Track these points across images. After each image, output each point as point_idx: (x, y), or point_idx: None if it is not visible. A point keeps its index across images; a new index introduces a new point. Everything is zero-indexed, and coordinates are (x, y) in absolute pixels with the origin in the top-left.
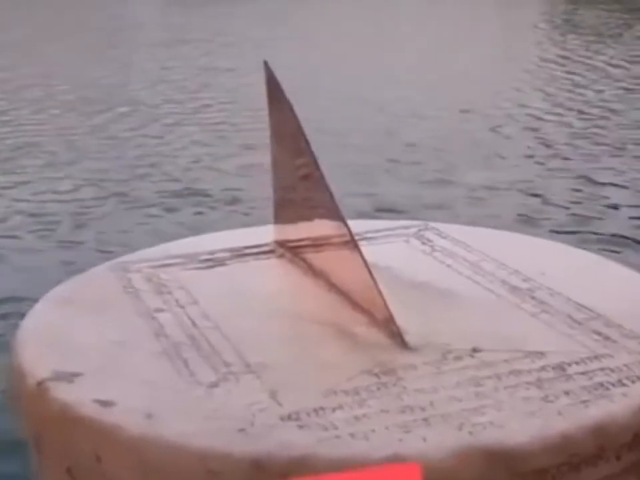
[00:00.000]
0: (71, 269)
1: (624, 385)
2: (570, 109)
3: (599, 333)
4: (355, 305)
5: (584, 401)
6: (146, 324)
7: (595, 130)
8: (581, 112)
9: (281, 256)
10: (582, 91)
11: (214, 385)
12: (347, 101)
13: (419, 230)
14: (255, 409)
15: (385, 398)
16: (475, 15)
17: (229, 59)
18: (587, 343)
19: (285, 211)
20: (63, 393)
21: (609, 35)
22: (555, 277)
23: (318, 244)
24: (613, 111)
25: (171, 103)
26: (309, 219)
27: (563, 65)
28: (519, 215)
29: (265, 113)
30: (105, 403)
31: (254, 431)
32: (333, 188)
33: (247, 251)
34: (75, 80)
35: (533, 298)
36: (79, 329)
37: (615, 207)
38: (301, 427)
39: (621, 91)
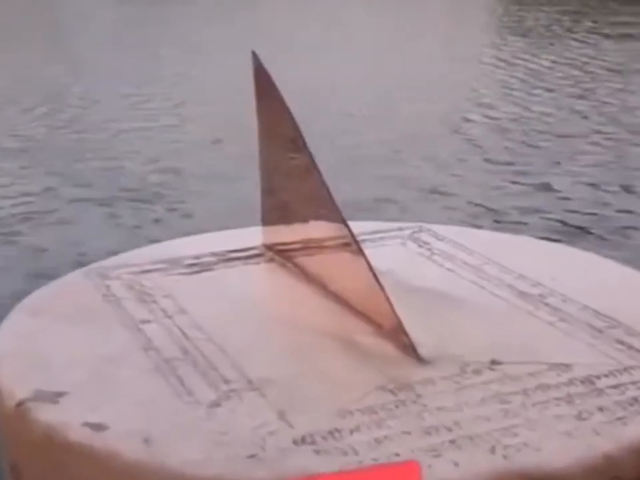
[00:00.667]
0: None
1: None
2: (506, 112)
3: (622, 342)
4: (358, 312)
5: (620, 418)
6: (133, 336)
7: (530, 132)
8: (515, 114)
9: (271, 260)
10: (518, 93)
11: (215, 404)
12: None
13: (414, 232)
14: (264, 431)
15: (405, 417)
16: (418, 17)
17: (177, 60)
18: (612, 354)
19: (274, 212)
20: (46, 414)
21: (549, 36)
22: (565, 281)
23: (312, 247)
24: (548, 114)
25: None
26: (302, 220)
27: (502, 68)
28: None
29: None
30: (97, 427)
31: (266, 456)
32: None
33: (234, 255)
34: (15, 76)
35: (547, 304)
36: (59, 341)
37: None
38: (317, 451)
39: (554, 94)
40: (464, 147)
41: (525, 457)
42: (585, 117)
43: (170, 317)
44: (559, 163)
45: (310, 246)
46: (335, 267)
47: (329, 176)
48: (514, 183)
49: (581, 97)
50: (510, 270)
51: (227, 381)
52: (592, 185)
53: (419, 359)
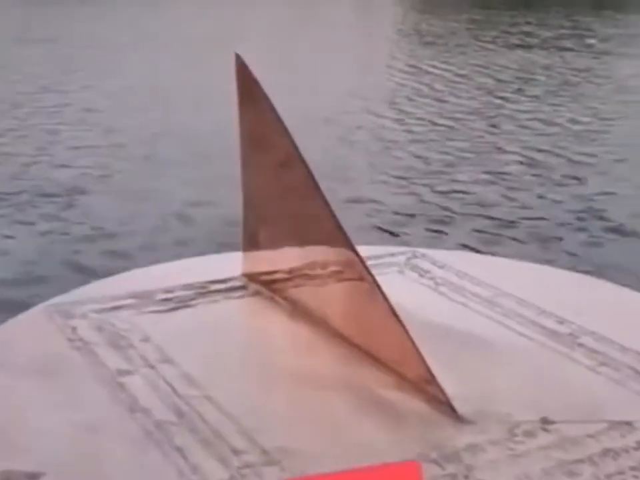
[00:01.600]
0: None
1: None
2: (418, 118)
3: None
4: (373, 358)
5: None
6: (112, 394)
7: (438, 139)
8: (424, 119)
9: (256, 293)
10: (428, 100)
11: None
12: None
13: (409, 258)
14: None
15: None
16: (327, 26)
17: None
18: None
19: (259, 235)
20: None
21: (456, 44)
22: (592, 316)
23: (307, 275)
24: (457, 119)
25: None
26: (296, 243)
27: (412, 74)
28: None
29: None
30: None
31: None
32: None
33: (212, 287)
34: None
35: (581, 345)
36: (25, 404)
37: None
38: None
39: (465, 101)
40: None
41: None
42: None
43: (153, 367)
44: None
45: (304, 274)
46: (339, 301)
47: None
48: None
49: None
50: (527, 303)
51: (237, 453)
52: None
53: (458, 418)
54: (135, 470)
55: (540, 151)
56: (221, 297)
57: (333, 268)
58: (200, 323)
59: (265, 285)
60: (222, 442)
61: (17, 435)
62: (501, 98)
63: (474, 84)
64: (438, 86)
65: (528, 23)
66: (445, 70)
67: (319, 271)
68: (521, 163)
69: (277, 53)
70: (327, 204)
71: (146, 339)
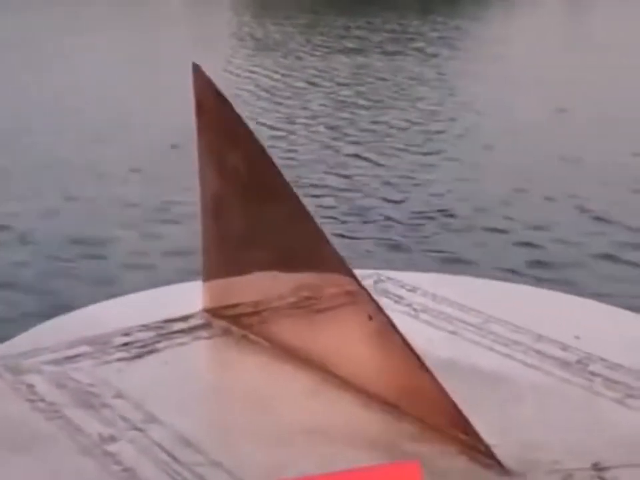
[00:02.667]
0: None
1: None
2: (259, 123)
3: None
4: (389, 405)
5: None
6: (103, 467)
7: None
8: (266, 125)
9: (225, 332)
10: (264, 104)
11: None
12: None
13: (376, 282)
14: None
15: None
16: (160, 31)
17: None
18: None
19: (222, 263)
20: None
21: (290, 49)
22: (591, 339)
23: (285, 308)
24: (298, 124)
25: None
26: (270, 270)
27: (248, 79)
28: None
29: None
30: None
31: None
32: None
33: (173, 326)
34: None
35: (596, 375)
36: None
37: None
38: None
39: (304, 105)
40: None
41: None
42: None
43: (140, 430)
44: None
45: (281, 306)
46: (337, 338)
47: None
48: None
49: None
50: (521, 328)
51: None
52: None
53: (505, 471)
54: None
55: (382, 154)
56: (188, 338)
57: (324, 298)
58: (173, 371)
59: (231, 320)
60: None
61: None
62: (341, 102)
63: (313, 89)
64: (275, 90)
65: (360, 28)
66: (284, 75)
67: (304, 302)
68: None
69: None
70: (317, 227)
71: (119, 395)
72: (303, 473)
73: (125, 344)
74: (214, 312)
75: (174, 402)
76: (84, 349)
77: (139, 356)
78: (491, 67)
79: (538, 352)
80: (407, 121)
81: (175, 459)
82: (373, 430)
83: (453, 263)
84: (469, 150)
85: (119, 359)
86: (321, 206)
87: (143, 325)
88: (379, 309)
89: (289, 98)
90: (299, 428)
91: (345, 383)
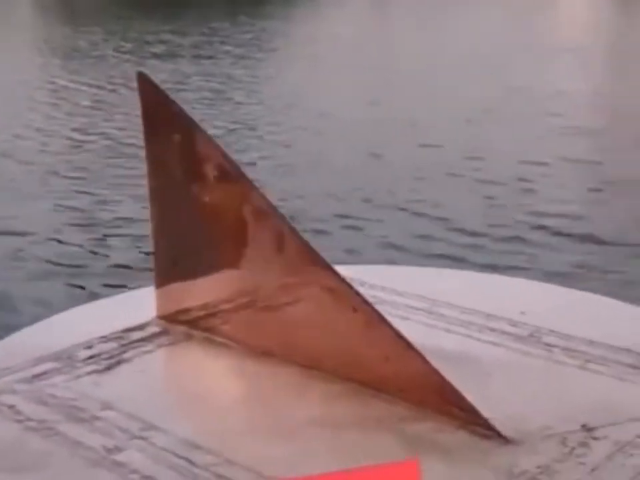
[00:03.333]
0: None
1: None
2: (53, 136)
3: None
4: (378, 390)
5: None
6: (119, 477)
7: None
8: (67, 137)
9: (188, 337)
10: (63, 116)
11: None
12: None
13: None
14: None
15: None
16: None
17: None
18: None
19: (178, 268)
20: None
21: (97, 56)
22: (534, 314)
23: (252, 305)
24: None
25: None
26: (229, 269)
27: (52, 90)
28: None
29: None
30: None
31: None
32: None
33: (132, 336)
34: None
35: (552, 345)
36: None
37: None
38: None
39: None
40: None
41: None
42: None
43: (143, 438)
44: None
45: (246, 304)
46: (320, 332)
47: None
48: None
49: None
50: (467, 309)
51: None
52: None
53: (506, 440)
54: None
55: None
56: (152, 346)
57: (299, 295)
58: (153, 379)
59: (189, 325)
60: None
61: None
62: None
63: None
64: (81, 101)
65: (170, 32)
66: (92, 85)
67: (272, 301)
68: None
69: None
70: (286, 223)
71: (107, 407)
72: (320, 463)
73: (91, 357)
74: (169, 318)
75: (167, 408)
76: (51, 365)
77: (110, 367)
78: (301, 65)
79: (492, 329)
80: (226, 128)
81: (189, 461)
82: (372, 415)
83: None
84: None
85: (91, 372)
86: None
87: (102, 337)
88: (364, 301)
89: (94, 108)
90: (301, 420)
91: (330, 375)
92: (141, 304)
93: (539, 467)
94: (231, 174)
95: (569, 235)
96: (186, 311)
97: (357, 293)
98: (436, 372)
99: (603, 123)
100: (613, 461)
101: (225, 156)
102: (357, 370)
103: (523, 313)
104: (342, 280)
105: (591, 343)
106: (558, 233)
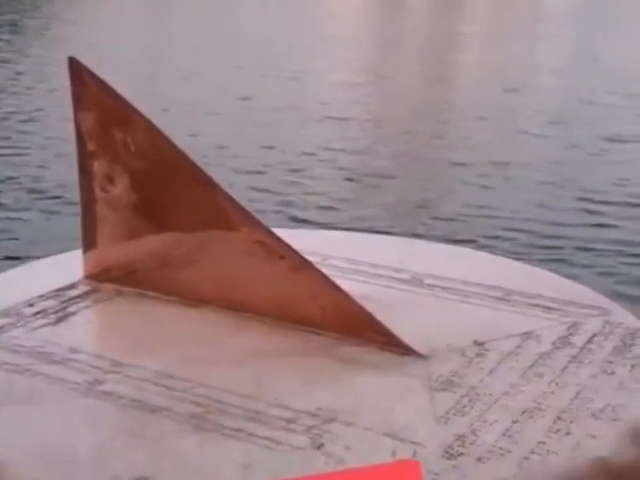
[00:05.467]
0: None
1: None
2: None
3: (533, 305)
4: (311, 327)
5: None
6: (111, 402)
7: None
8: None
9: (119, 293)
10: None
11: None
12: None
13: None
14: None
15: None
16: None
17: None
18: (542, 315)
19: (104, 231)
20: None
21: None
22: (410, 262)
23: (184, 259)
24: None
25: None
26: (173, 229)
27: None
28: None
29: None
30: None
31: None
32: None
33: (68, 294)
34: None
35: (434, 286)
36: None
37: None
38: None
39: None
40: None
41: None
42: None
43: (119, 373)
44: None
45: (176, 258)
46: (252, 280)
47: None
48: None
49: None
50: (354, 260)
51: (294, 419)
52: None
53: (421, 355)
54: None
55: None
56: (90, 302)
57: (229, 248)
58: (105, 327)
59: (118, 282)
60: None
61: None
62: None
63: None
64: None
65: None
66: None
67: (204, 255)
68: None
69: None
70: (217, 187)
71: (74, 351)
72: (278, 381)
73: (37, 312)
74: (97, 277)
75: (130, 348)
76: (3, 321)
77: (60, 320)
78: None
79: (380, 275)
80: None
81: (167, 387)
82: (306, 344)
83: None
84: None
85: (44, 325)
86: None
87: (41, 295)
88: (290, 248)
89: None
90: (245, 351)
91: (263, 316)
92: (68, 266)
93: (450, 372)
94: (160, 144)
95: None
96: (113, 269)
97: (284, 243)
98: (356, 303)
99: (366, 114)
100: (503, 365)
101: (162, 136)
102: (288, 309)
103: (401, 262)
104: (270, 233)
105: (466, 282)
106: None
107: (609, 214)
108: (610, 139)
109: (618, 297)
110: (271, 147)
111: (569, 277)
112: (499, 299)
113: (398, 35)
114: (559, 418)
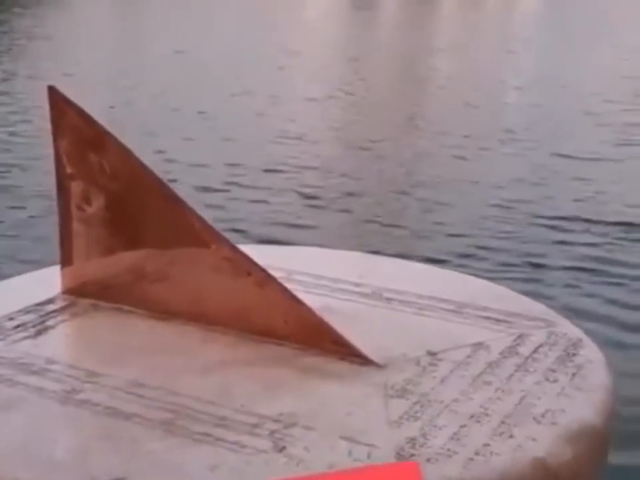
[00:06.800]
0: None
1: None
2: None
3: (484, 317)
4: (269, 337)
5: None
6: (87, 409)
7: None
8: None
9: (94, 307)
10: None
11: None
12: None
13: None
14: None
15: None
16: None
17: None
18: (494, 327)
19: (88, 248)
20: None
21: None
22: (369, 276)
23: (155, 276)
24: None
25: None
26: (130, 246)
27: None
28: None
29: None
30: None
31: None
32: None
33: (46, 308)
34: None
35: (392, 299)
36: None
37: None
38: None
39: None
40: None
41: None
42: None
43: (92, 382)
44: None
45: (148, 275)
46: (220, 295)
47: None
48: None
49: None
50: (319, 276)
51: (257, 425)
52: None
53: (378, 365)
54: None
55: None
56: (67, 315)
57: (199, 265)
58: (79, 339)
59: (94, 297)
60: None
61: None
62: None
63: None
64: None
65: None
66: None
67: (175, 271)
68: None
69: None
70: (187, 207)
71: (51, 362)
72: (243, 388)
73: (17, 326)
74: (74, 292)
75: (104, 360)
76: None
77: (39, 333)
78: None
79: (341, 290)
80: None
81: (140, 395)
82: (270, 355)
83: None
84: None
85: (24, 338)
86: None
87: (20, 310)
88: (255, 265)
89: None
90: (212, 361)
91: (230, 329)
92: (46, 281)
93: (404, 380)
94: (137, 171)
95: None
96: (90, 284)
97: (250, 260)
98: (317, 316)
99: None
100: (454, 374)
101: (134, 158)
102: (252, 322)
103: (361, 276)
104: (237, 250)
105: (421, 296)
106: None
107: (570, 230)
108: (569, 156)
109: (568, 310)
110: (233, 164)
111: (522, 291)
112: (451, 311)
113: (364, 51)
114: (503, 422)
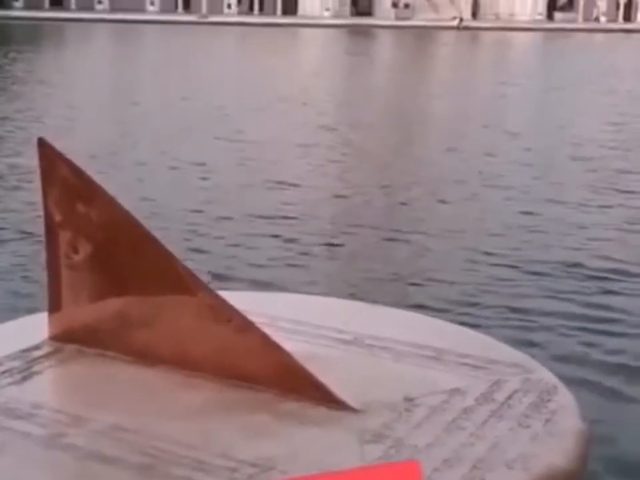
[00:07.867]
0: None
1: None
2: None
3: (462, 363)
4: (249, 383)
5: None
6: (72, 453)
7: None
8: None
9: (80, 354)
10: None
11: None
12: None
13: None
14: None
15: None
16: None
17: None
18: (471, 373)
19: (75, 295)
20: None
21: None
22: (353, 323)
23: (139, 324)
24: None
25: None
26: (116, 294)
27: None
28: None
29: None
30: None
31: None
32: None
33: (33, 354)
34: None
35: (372, 345)
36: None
37: None
38: None
39: None
40: None
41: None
42: None
43: (77, 427)
44: None
45: (132, 323)
46: (201, 341)
47: None
48: None
49: None
50: (301, 322)
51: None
52: None
53: (355, 410)
54: None
55: None
56: (53, 362)
57: (180, 312)
58: (64, 385)
59: (79, 343)
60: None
61: None
62: None
63: None
64: None
65: None
66: None
67: (159, 319)
68: None
69: None
70: (171, 256)
71: (37, 407)
72: (224, 433)
73: (5, 371)
74: (60, 338)
75: (88, 404)
76: None
77: (25, 378)
78: None
79: (323, 336)
80: None
81: (122, 439)
82: (250, 401)
83: None
84: None
85: (10, 383)
86: None
87: (7, 355)
88: (236, 312)
89: None
90: (195, 405)
91: (211, 375)
92: (33, 328)
93: (380, 425)
94: (124, 221)
95: None
96: (76, 330)
97: (230, 307)
98: (297, 363)
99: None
100: (429, 419)
101: (121, 209)
102: (233, 368)
103: (345, 323)
104: (218, 297)
105: (402, 342)
106: None
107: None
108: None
109: (547, 356)
110: (225, 217)
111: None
112: (430, 357)
113: (355, 96)
114: (475, 467)
